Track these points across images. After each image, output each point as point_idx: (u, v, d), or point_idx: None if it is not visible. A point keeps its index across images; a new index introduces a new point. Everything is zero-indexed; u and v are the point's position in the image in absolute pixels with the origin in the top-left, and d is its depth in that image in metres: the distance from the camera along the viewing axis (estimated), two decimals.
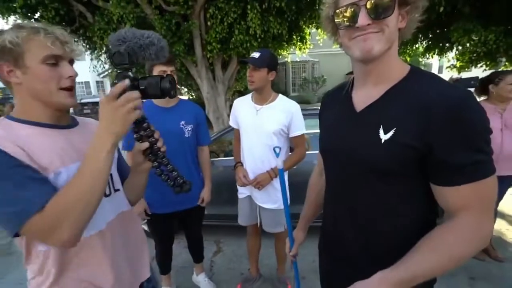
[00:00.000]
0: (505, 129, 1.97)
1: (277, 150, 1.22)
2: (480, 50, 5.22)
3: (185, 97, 8.03)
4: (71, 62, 0.76)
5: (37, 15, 5.19)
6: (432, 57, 7.00)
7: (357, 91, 0.76)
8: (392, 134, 0.63)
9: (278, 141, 1.66)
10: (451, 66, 6.80)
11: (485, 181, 0.58)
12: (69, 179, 0.66)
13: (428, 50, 6.55)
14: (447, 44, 5.98)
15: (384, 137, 0.64)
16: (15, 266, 2.50)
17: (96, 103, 11.98)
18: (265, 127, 1.64)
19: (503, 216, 3.01)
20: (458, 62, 6.40)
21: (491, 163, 0.59)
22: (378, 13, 0.60)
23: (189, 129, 1.65)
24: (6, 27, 0.73)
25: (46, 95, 0.72)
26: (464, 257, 0.60)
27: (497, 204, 2.14)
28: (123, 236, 0.85)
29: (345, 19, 0.64)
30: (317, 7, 5.57)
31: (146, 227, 2.95)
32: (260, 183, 1.66)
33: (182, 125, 1.63)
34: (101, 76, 18.63)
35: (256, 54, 1.58)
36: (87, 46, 6.39)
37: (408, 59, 7.40)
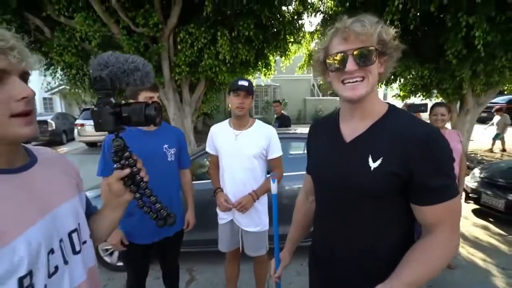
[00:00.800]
0: None
1: (273, 176, 1.20)
2: (418, 83, 6.19)
3: None
4: (24, 76, 0.55)
5: None
6: (380, 87, 7.98)
7: (344, 123, 0.88)
8: (380, 163, 0.75)
9: (258, 164, 1.73)
10: (396, 95, 7.84)
11: (453, 200, 0.72)
12: (32, 248, 0.50)
13: None
14: (392, 76, 6.88)
15: (373, 165, 0.75)
16: None
17: (43, 122, 10.61)
18: (245, 151, 1.70)
19: None
20: (401, 91, 7.42)
21: (456, 185, 0.74)
22: (363, 61, 0.74)
23: (172, 152, 1.63)
24: None
25: None
26: (443, 265, 0.72)
27: None
28: None
29: (335, 62, 0.77)
30: (282, 37, 6.05)
31: (108, 259, 2.69)
32: (244, 206, 1.68)
33: (166, 148, 1.60)
34: (50, 93, 17.07)
35: (245, 82, 1.63)
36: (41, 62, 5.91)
37: None
